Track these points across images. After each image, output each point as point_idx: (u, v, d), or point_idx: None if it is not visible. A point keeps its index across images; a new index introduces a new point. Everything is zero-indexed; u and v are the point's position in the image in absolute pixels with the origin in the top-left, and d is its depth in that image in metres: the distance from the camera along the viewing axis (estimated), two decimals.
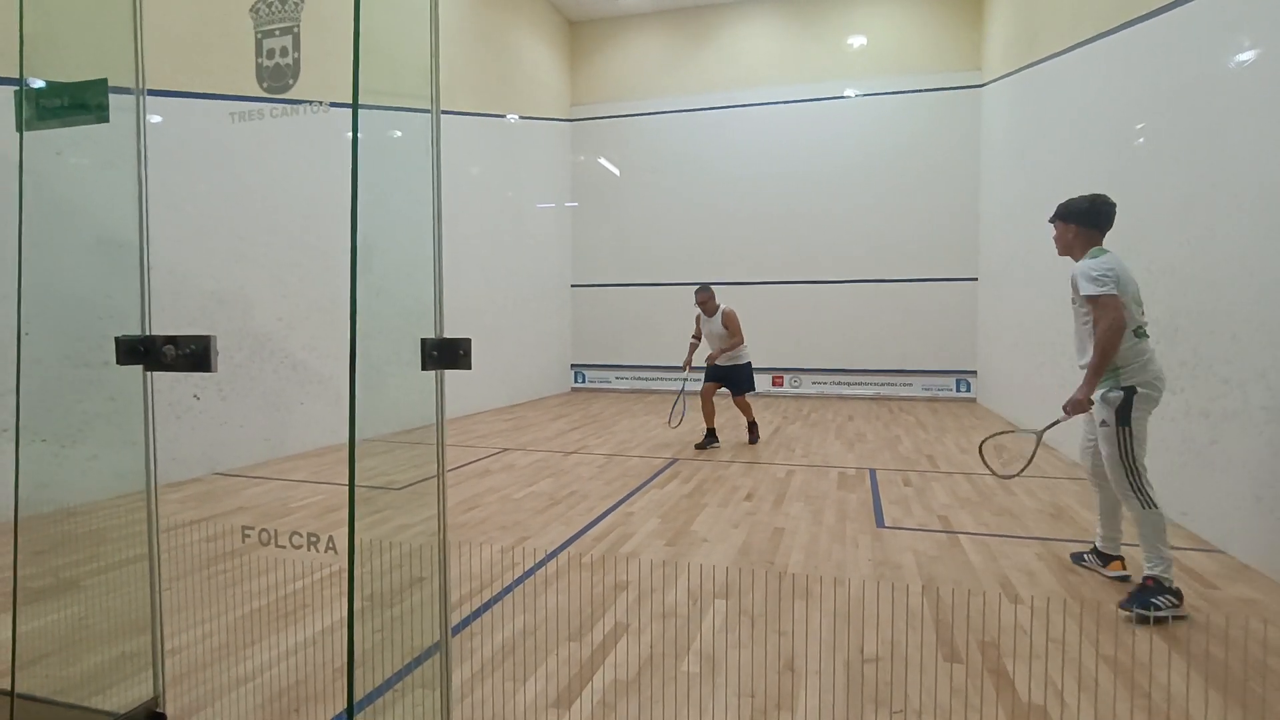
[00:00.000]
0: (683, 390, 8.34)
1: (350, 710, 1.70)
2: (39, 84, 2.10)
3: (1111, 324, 3.12)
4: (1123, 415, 3.18)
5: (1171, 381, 4.55)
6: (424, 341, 1.77)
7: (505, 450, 7.18)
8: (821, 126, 11.93)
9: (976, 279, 11.19)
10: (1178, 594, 3.04)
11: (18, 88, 2.06)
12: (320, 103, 1.96)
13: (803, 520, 4.58)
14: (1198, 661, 2.65)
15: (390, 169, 1.84)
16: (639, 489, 5.44)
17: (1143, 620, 2.97)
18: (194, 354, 1.93)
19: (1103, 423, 3.26)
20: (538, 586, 3.41)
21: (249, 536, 3.73)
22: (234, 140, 6.14)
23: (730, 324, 7.28)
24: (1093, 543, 3.67)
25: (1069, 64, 6.88)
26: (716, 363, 7.37)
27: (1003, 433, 4.82)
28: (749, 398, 7.53)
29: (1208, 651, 2.73)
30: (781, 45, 12.12)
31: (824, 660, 2.63)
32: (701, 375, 7.62)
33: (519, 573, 3.59)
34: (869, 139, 11.71)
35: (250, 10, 2.03)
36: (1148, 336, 3.29)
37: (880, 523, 4.54)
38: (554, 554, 3.90)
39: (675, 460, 6.56)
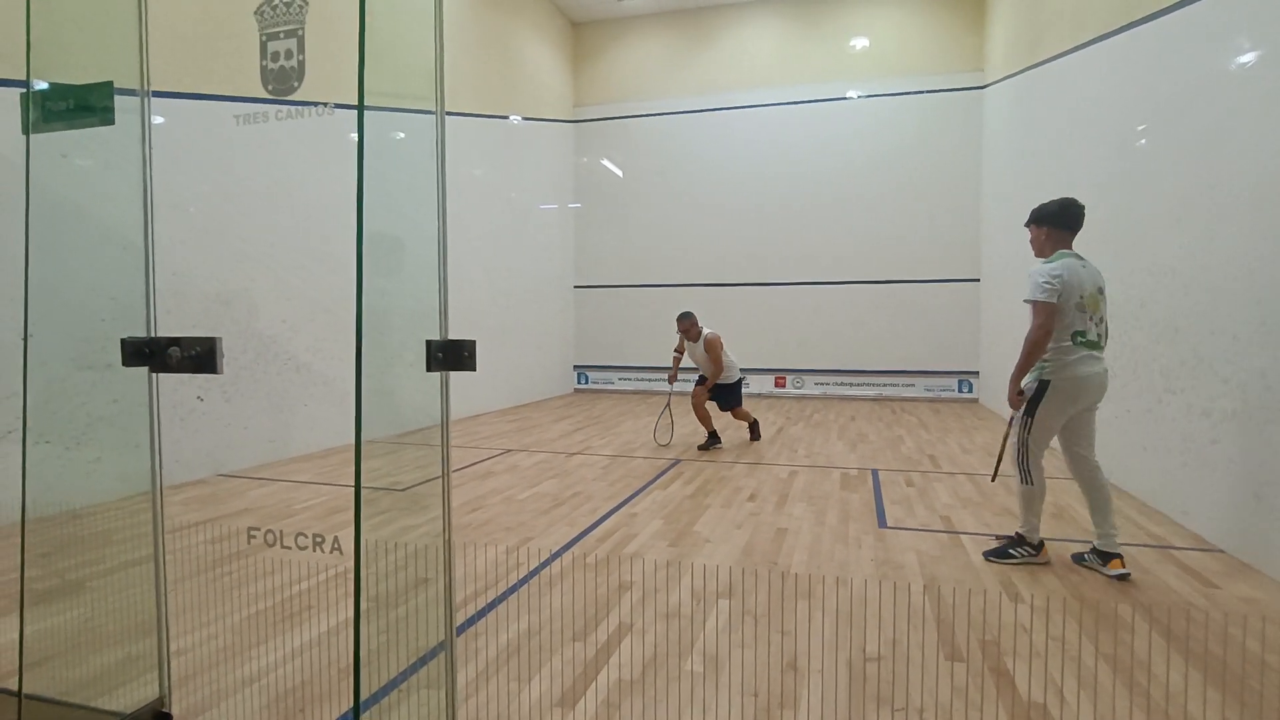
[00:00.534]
0: (668, 405, 8.09)
1: (356, 710, 1.71)
2: (44, 86, 2.11)
3: (1039, 328, 3.48)
4: (1030, 405, 3.63)
5: (1172, 381, 4.56)
6: (429, 343, 1.77)
7: (509, 451, 7.19)
8: (824, 128, 11.94)
9: (979, 280, 11.19)
10: (1038, 547, 3.71)
11: (24, 90, 2.07)
12: (325, 105, 1.97)
13: (805, 521, 4.59)
14: (1197, 659, 2.65)
15: (395, 171, 1.85)
16: (642, 490, 5.45)
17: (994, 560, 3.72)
18: (199, 356, 1.94)
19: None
20: (542, 587, 3.42)
21: (254, 538, 3.75)
22: (239, 142, 6.16)
23: (712, 352, 7.16)
24: (1091, 543, 3.70)
25: (1071, 66, 6.88)
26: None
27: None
28: (744, 404, 7.50)
29: (1207, 649, 2.73)
30: (784, 46, 12.13)
31: (826, 659, 2.64)
32: (687, 383, 7.58)
33: (523, 573, 3.60)
34: (871, 140, 11.72)
35: (255, 13, 2.04)
36: (1089, 343, 3.57)
37: (883, 523, 4.55)
38: (558, 554, 3.91)
39: (678, 461, 6.56)
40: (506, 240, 10.92)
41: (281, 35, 1.98)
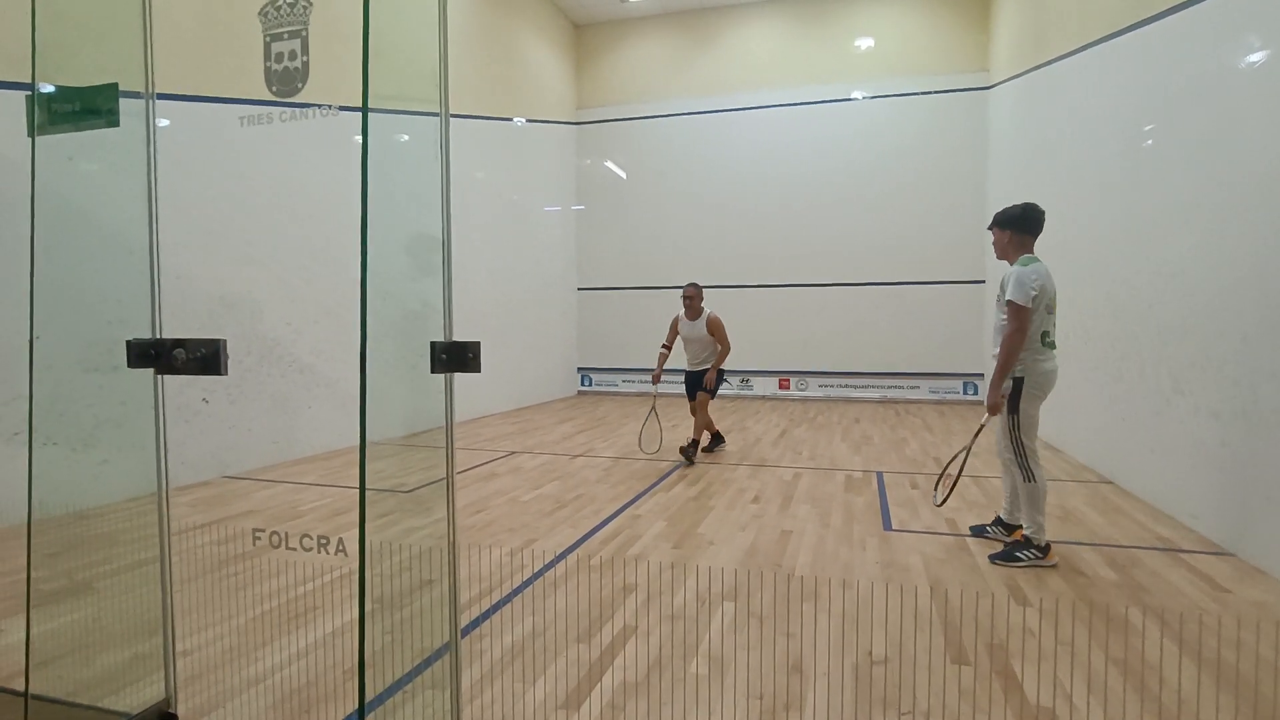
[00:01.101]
0: (653, 409, 7.39)
1: (361, 711, 1.71)
2: (50, 89, 2.11)
3: (1017, 330, 3.65)
4: (1012, 403, 3.76)
5: (1182, 383, 4.54)
6: (433, 344, 1.77)
7: (512, 453, 7.19)
8: (828, 129, 11.92)
9: (984, 281, 11.16)
10: (1044, 549, 3.71)
11: (30, 93, 2.08)
12: (329, 106, 1.97)
13: (810, 523, 4.57)
14: (1208, 664, 2.63)
15: (399, 173, 1.85)
16: (646, 491, 5.44)
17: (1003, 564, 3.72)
18: (204, 358, 1.94)
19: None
20: (546, 588, 3.42)
21: (259, 539, 3.75)
22: (243, 144, 6.17)
23: (717, 331, 6.66)
24: (996, 514, 4.21)
25: (1077, 65, 6.86)
26: (693, 369, 6.86)
27: (949, 463, 4.42)
28: (710, 409, 6.81)
29: (1219, 655, 2.71)
30: (787, 47, 12.12)
31: (832, 662, 2.63)
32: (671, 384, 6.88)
33: (527, 575, 3.59)
34: (875, 141, 11.69)
35: (259, 13, 2.04)
36: (1051, 344, 3.79)
37: (887, 525, 4.53)
38: (562, 556, 3.90)
39: (682, 463, 6.55)
40: (509, 242, 10.93)
41: (285, 36, 1.98)
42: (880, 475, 6.05)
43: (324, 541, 2.13)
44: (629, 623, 3.00)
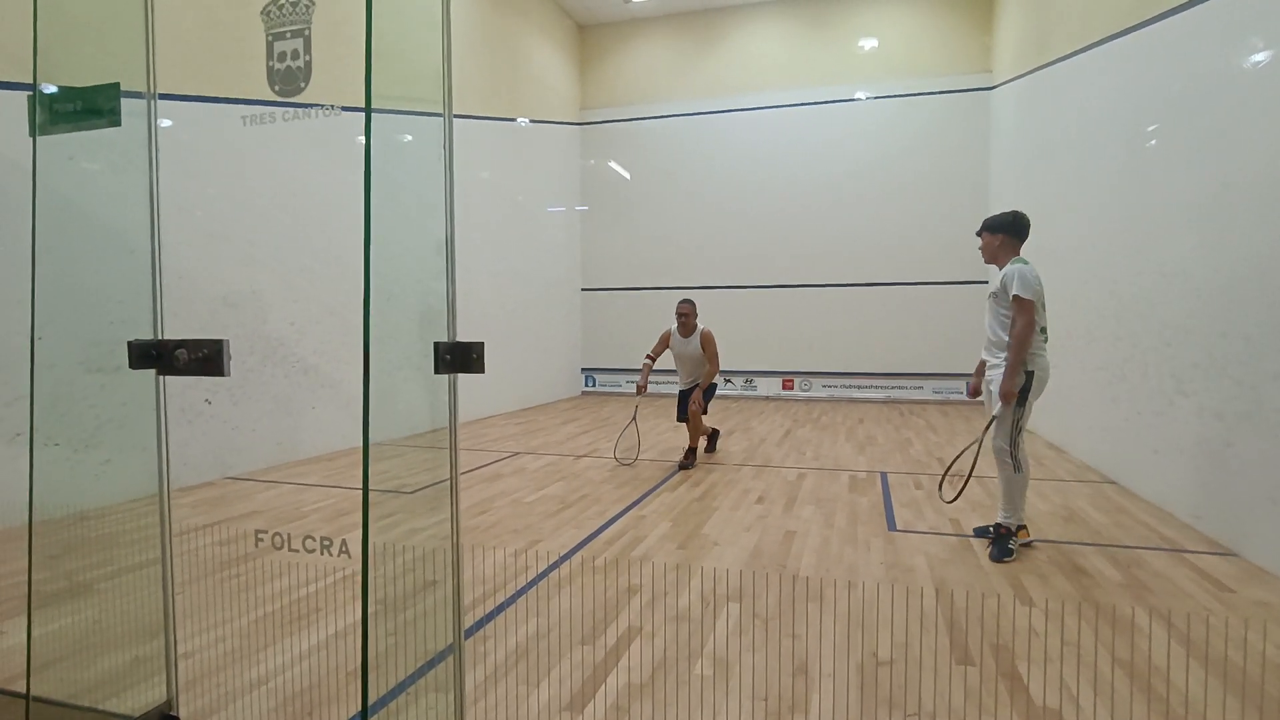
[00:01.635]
0: (634, 419, 7.24)
1: (364, 713, 1.70)
2: (52, 89, 2.11)
3: (1028, 323, 3.78)
4: (1022, 396, 3.87)
5: (1185, 384, 4.52)
6: (437, 345, 1.76)
7: (516, 454, 7.18)
8: (832, 129, 11.91)
9: (987, 282, 11.13)
10: (1021, 528, 3.95)
11: (31, 93, 2.07)
12: (332, 106, 1.96)
13: (814, 523, 4.56)
14: (1214, 665, 2.62)
15: (402, 173, 1.84)
16: (650, 493, 5.43)
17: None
18: (206, 358, 1.93)
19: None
20: (550, 590, 3.41)
21: (262, 540, 3.75)
22: (245, 144, 6.17)
23: (709, 348, 6.47)
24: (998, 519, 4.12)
25: (1080, 66, 6.84)
26: (687, 388, 6.65)
27: (953, 461, 4.58)
28: (705, 419, 6.64)
29: (1225, 656, 2.69)
30: (791, 48, 12.11)
31: (836, 663, 2.62)
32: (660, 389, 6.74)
33: (531, 576, 3.58)
34: (879, 142, 11.68)
35: (261, 13, 2.04)
36: (1047, 338, 3.97)
37: (892, 526, 4.52)
38: (566, 557, 3.90)
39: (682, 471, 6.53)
40: (513, 243, 10.93)
41: (288, 35, 1.98)
42: (884, 476, 6.04)
43: (327, 543, 2.12)
44: (634, 624, 2.99)
